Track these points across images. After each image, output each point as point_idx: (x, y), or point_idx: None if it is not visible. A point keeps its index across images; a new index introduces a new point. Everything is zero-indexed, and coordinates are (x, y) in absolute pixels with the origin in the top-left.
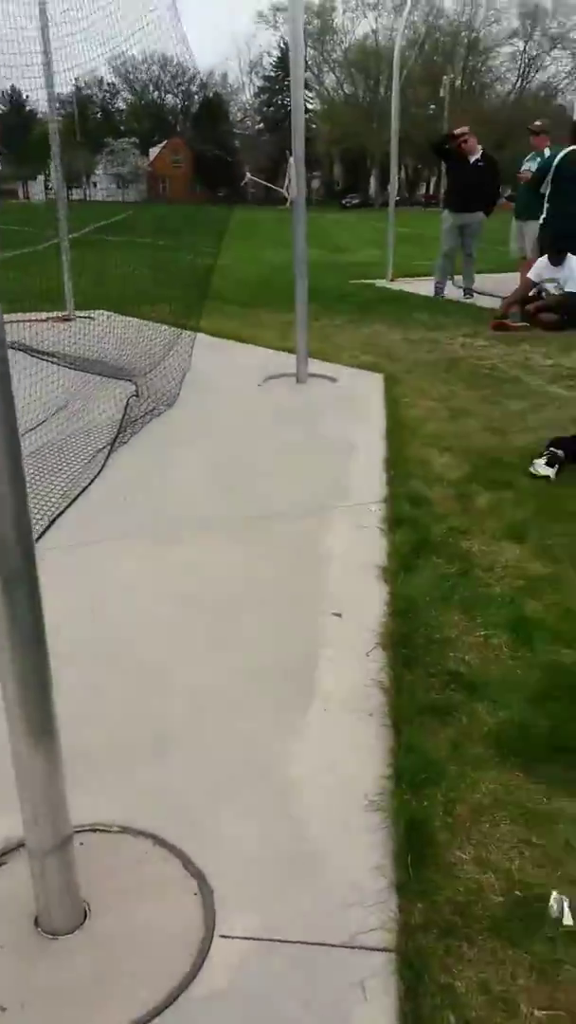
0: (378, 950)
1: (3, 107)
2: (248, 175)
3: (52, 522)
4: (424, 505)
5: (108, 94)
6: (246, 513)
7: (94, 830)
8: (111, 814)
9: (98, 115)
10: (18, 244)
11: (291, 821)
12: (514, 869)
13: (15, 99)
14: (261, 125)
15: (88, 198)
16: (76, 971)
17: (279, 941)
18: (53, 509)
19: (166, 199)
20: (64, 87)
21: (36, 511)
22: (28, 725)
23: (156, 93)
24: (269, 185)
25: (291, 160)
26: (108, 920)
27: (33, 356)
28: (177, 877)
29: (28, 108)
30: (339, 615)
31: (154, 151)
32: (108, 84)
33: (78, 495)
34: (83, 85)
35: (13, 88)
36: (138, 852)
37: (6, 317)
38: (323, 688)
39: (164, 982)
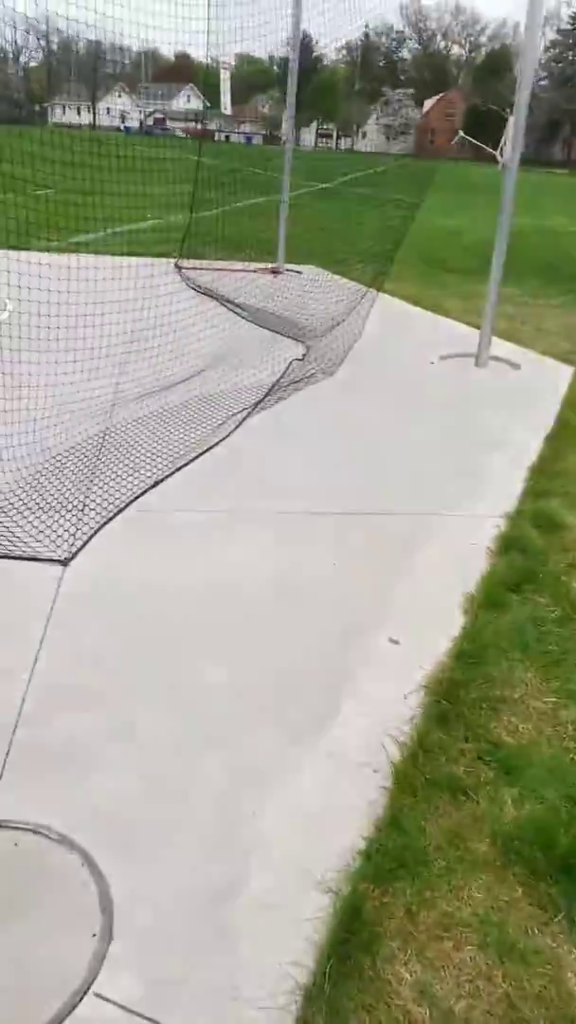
0: None
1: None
2: (460, 132)
3: (159, 482)
4: (553, 531)
5: (395, 42)
6: (352, 505)
7: (35, 832)
8: (58, 812)
9: (381, 63)
10: (262, 192)
11: (234, 869)
12: (457, 1011)
13: (306, 43)
14: (545, 82)
15: (354, 148)
16: None
17: (146, 1019)
18: (167, 469)
19: (432, 153)
20: (353, 34)
21: (159, 463)
22: None
23: (443, 43)
24: (479, 144)
25: (510, 121)
26: (3, 935)
27: (224, 305)
28: (88, 907)
29: (314, 55)
30: (396, 642)
31: (429, 103)
32: (395, 32)
33: (194, 457)
34: (371, 32)
35: (305, 32)
36: (63, 868)
37: (219, 264)
38: (338, 725)
39: (24, 1021)
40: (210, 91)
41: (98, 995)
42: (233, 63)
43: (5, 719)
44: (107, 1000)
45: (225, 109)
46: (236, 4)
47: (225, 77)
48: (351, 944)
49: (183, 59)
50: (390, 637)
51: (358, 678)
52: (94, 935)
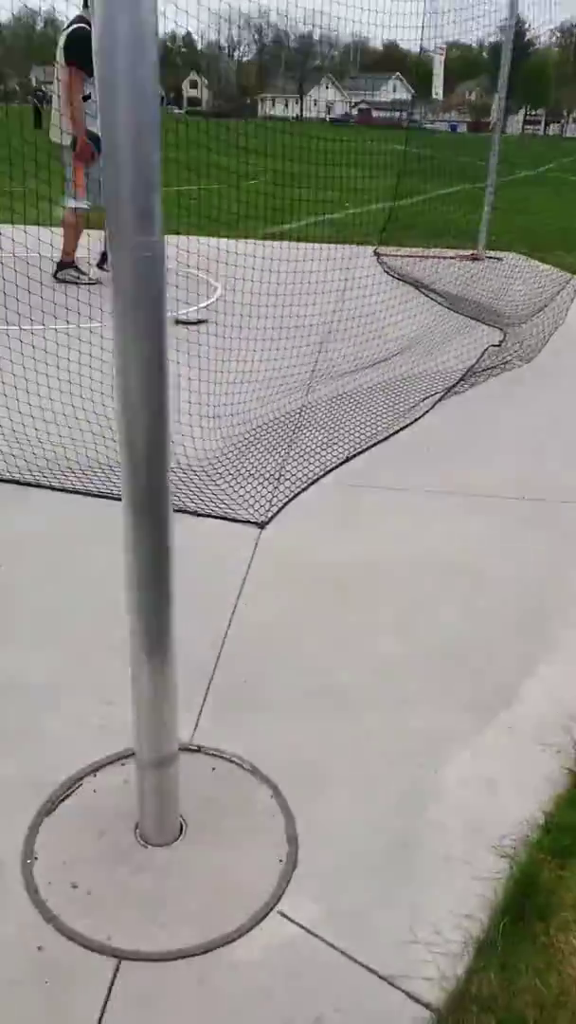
0: (419, 1003)
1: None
2: None
3: (351, 457)
4: None
5: None
6: (546, 492)
7: (230, 760)
8: (250, 745)
9: None
10: (467, 179)
11: (412, 821)
12: None
13: (518, 28)
14: None
15: (563, 134)
16: (151, 883)
17: (328, 944)
18: (359, 446)
19: None
20: (566, 14)
21: (340, 446)
22: (145, 639)
23: None
24: None
25: None
26: (195, 849)
27: (423, 293)
28: (276, 835)
29: (526, 38)
30: None
31: None
32: None
33: (387, 436)
34: None
35: (518, 16)
36: (255, 796)
37: (421, 252)
38: (519, 703)
39: (212, 928)
40: (419, 79)
41: (282, 914)
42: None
43: (206, 659)
44: (291, 920)
45: (437, 95)
46: None
47: (439, 63)
48: (526, 908)
49: (391, 48)
50: None
51: (539, 661)
52: (280, 860)
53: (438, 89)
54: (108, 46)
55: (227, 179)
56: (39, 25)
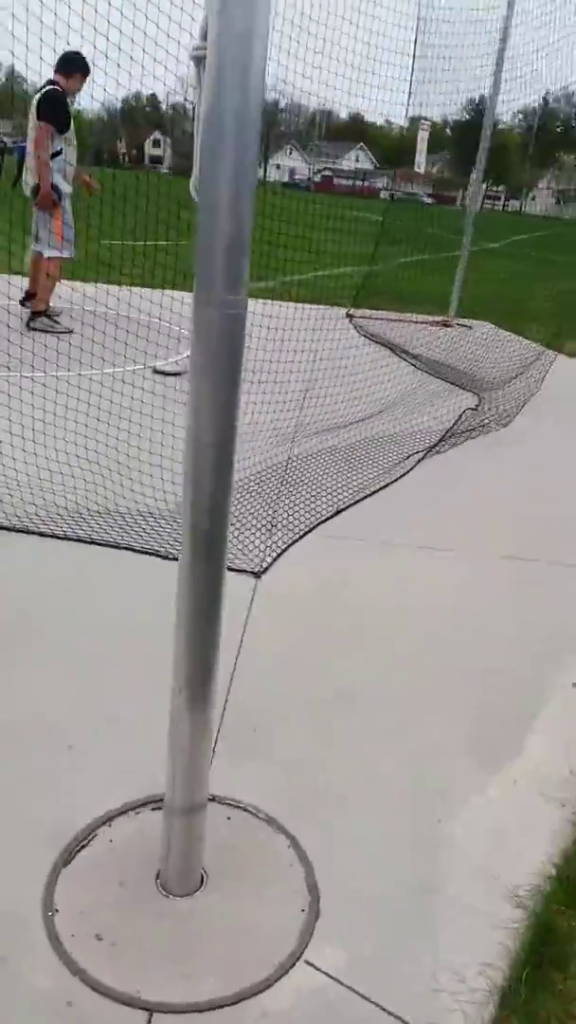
0: None
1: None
2: None
3: (341, 511)
4: None
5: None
6: (530, 551)
7: (244, 809)
8: (263, 794)
9: (559, 129)
10: (440, 248)
11: (428, 868)
12: None
13: (473, 108)
14: None
15: (522, 211)
16: (175, 933)
17: (357, 994)
18: (346, 500)
19: None
20: (529, 98)
21: (327, 498)
22: (188, 686)
23: None
24: None
25: None
26: (217, 899)
27: (398, 355)
28: (296, 884)
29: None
30: None
31: None
32: None
33: (372, 492)
34: (550, 98)
35: (482, 97)
36: (272, 846)
37: (393, 315)
38: (523, 755)
39: (240, 979)
40: (380, 151)
41: (309, 963)
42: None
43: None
44: (317, 969)
45: (419, 168)
46: (442, 70)
47: (423, 138)
48: (543, 957)
49: (357, 120)
50: (573, 682)
51: (542, 716)
52: (303, 910)
53: (420, 162)
54: (216, 116)
55: (187, 236)
56: (0, 79)
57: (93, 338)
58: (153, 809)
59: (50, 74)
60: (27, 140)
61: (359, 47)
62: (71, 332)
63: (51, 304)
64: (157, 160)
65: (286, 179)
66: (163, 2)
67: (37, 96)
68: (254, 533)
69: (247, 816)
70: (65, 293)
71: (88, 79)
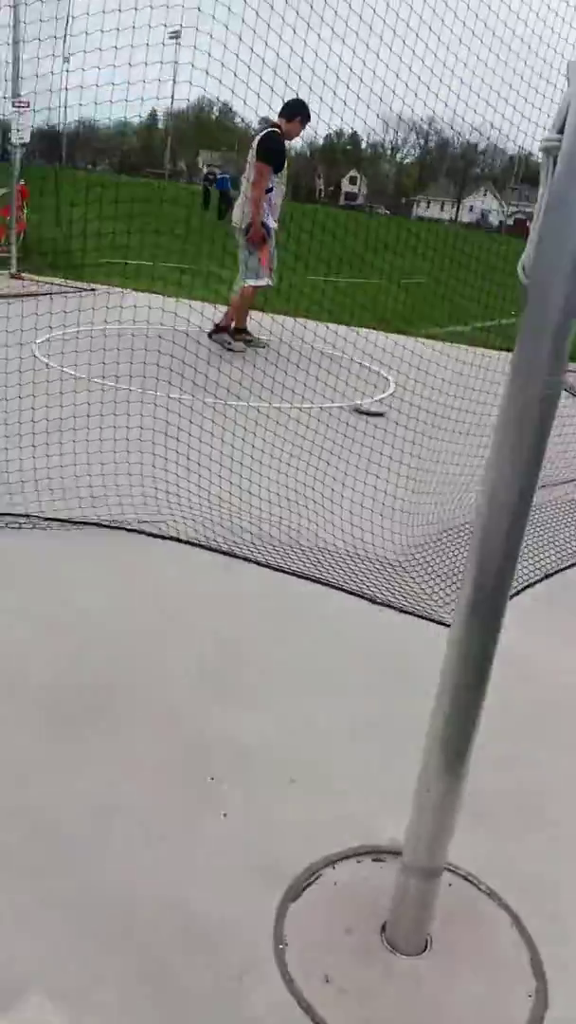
0: None
1: None
2: None
3: (550, 575)
4: None
5: None
6: None
7: (465, 878)
8: (484, 864)
9: None
10: None
11: None
12: None
13: None
14: None
15: None
16: (403, 995)
17: None
18: (545, 567)
19: None
20: None
21: (531, 560)
22: (446, 746)
23: None
24: None
25: None
26: (442, 967)
27: None
28: (520, 967)
29: None
30: None
31: None
32: None
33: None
34: None
35: None
36: (495, 921)
37: None
38: None
39: None
40: None
41: None
42: None
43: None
44: None
45: None
46: None
47: None
48: None
49: None
50: None
51: None
52: (529, 996)
53: None
54: (564, 207)
55: (390, 275)
56: (214, 113)
57: (296, 375)
58: (374, 860)
59: (263, 110)
60: (242, 176)
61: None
62: (243, 351)
63: (250, 333)
64: (352, 197)
65: (476, 220)
66: (371, 39)
67: (258, 137)
68: (454, 583)
69: (468, 885)
70: (268, 325)
71: (308, 125)
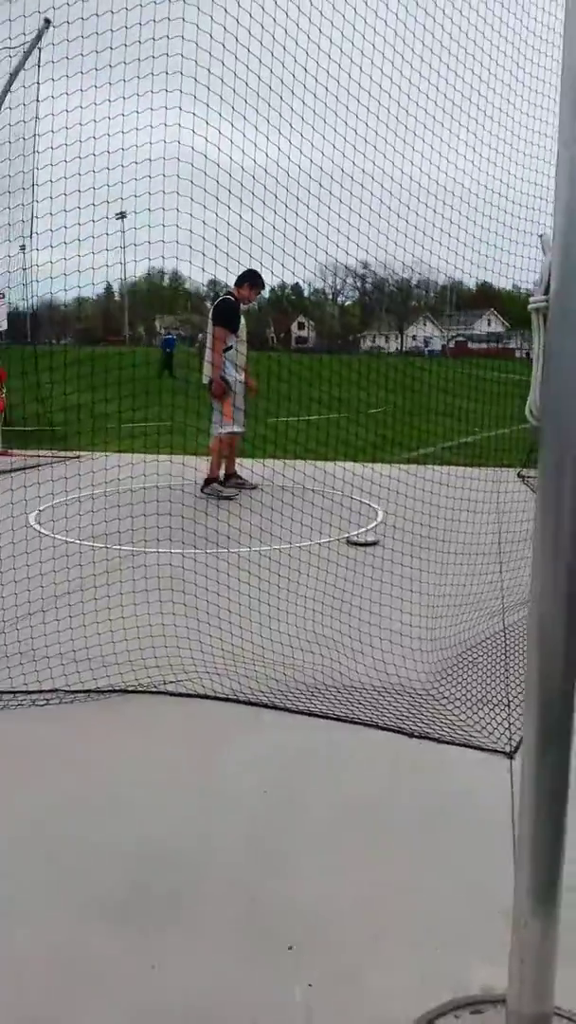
0: None
1: None
2: None
3: None
4: None
5: None
6: None
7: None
8: None
9: None
10: None
11: None
12: None
13: None
14: None
15: None
16: None
17: None
18: None
19: None
20: None
21: None
22: (536, 882)
23: None
24: None
25: None
26: None
27: None
28: None
29: None
30: None
31: None
32: None
33: None
34: None
35: None
36: None
37: None
38: None
39: None
40: (510, 314)
41: None
42: None
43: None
44: None
45: None
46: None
47: None
48: None
49: (484, 288)
50: None
51: None
52: None
53: None
54: (559, 359)
55: (350, 409)
56: (165, 281)
57: (289, 514)
58: (473, 1012)
59: (210, 275)
60: (200, 335)
61: (490, 223)
62: (234, 497)
63: (241, 477)
64: (303, 340)
65: (422, 347)
66: (313, 203)
67: (215, 304)
68: (491, 709)
69: None
70: (250, 467)
71: (261, 289)
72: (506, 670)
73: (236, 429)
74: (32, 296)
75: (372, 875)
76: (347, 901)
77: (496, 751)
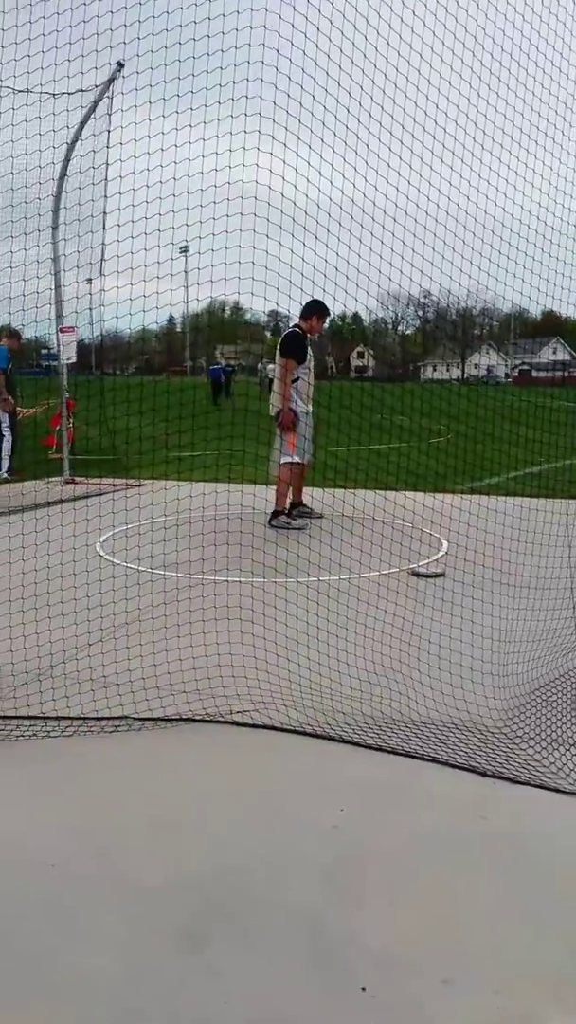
0: None
1: None
2: None
3: None
4: None
5: None
6: None
7: None
8: None
9: None
10: None
11: None
12: None
13: None
14: None
15: None
16: None
17: None
18: None
19: None
20: None
21: None
22: None
23: None
24: None
25: None
26: None
27: None
28: None
29: None
30: None
31: None
32: None
33: None
34: None
35: None
36: None
37: None
38: None
39: None
40: None
41: None
42: None
43: None
44: None
45: None
46: None
47: None
48: None
49: (550, 316)
50: None
51: None
52: None
53: None
54: None
55: (412, 438)
56: (226, 312)
57: (355, 544)
58: None
59: (274, 302)
60: (268, 367)
61: (557, 251)
62: (304, 529)
63: (307, 506)
64: (362, 370)
65: (483, 375)
66: (377, 231)
67: (282, 337)
68: (568, 750)
69: None
70: (318, 496)
71: (327, 319)
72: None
73: (297, 459)
74: (99, 327)
75: (446, 914)
76: (420, 940)
77: (573, 793)
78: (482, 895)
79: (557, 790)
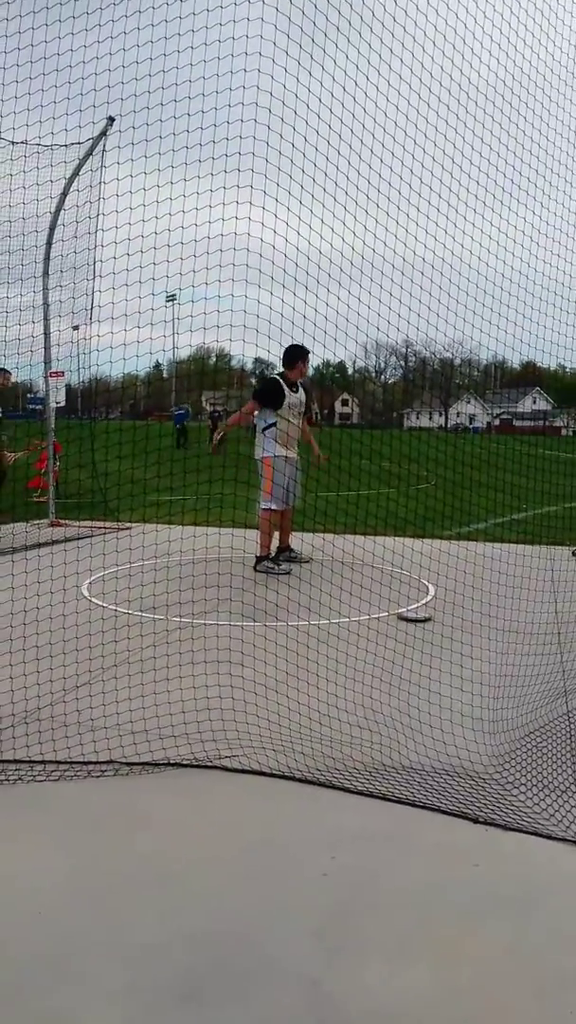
0: None
1: None
2: None
3: None
4: None
5: None
6: None
7: None
8: None
9: None
10: None
11: None
12: None
13: None
14: None
15: None
16: None
17: None
18: None
19: None
20: None
21: None
22: None
23: None
24: None
25: None
26: None
27: None
28: None
29: None
30: None
31: None
32: None
33: None
34: None
35: None
36: None
37: None
38: None
39: None
40: (556, 392)
41: None
42: None
43: None
44: None
45: None
46: None
47: None
48: None
49: (529, 367)
50: None
51: None
52: None
53: None
54: None
55: (398, 483)
56: (212, 359)
57: (343, 587)
58: None
59: (265, 348)
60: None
61: (535, 303)
62: (289, 573)
63: (294, 550)
64: (346, 416)
65: (466, 424)
66: (363, 282)
67: (260, 381)
68: (559, 796)
69: None
70: (306, 539)
71: (309, 360)
72: (573, 755)
73: (274, 506)
74: (85, 372)
75: (445, 966)
76: (419, 995)
77: (566, 840)
78: (481, 949)
79: (550, 837)
